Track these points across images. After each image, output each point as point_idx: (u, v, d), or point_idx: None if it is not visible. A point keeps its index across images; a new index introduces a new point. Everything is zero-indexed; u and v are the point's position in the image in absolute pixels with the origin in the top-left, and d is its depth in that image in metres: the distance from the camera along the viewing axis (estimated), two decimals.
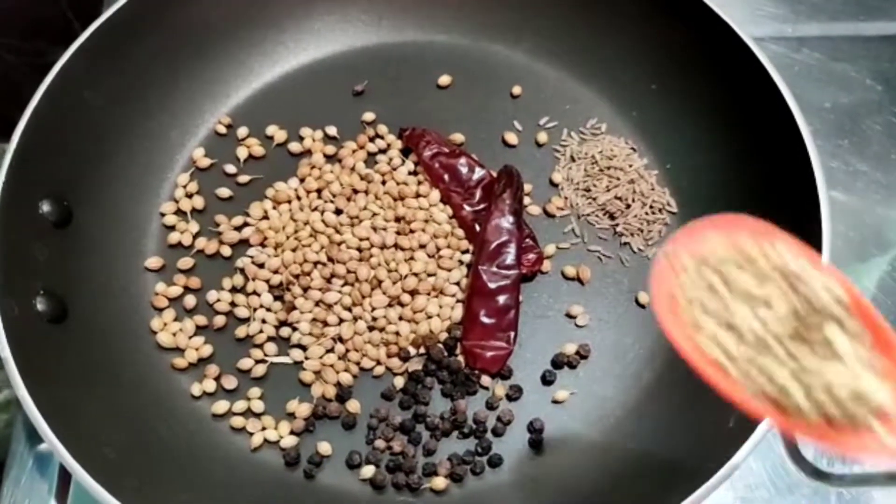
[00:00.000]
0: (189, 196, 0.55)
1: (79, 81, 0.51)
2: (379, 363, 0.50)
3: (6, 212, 0.46)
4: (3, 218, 0.46)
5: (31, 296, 0.46)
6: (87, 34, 0.51)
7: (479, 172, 0.54)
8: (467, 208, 0.53)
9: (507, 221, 0.50)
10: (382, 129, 0.57)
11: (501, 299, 0.50)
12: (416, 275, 0.51)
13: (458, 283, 0.52)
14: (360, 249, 0.52)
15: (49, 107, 0.49)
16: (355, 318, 0.51)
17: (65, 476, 0.49)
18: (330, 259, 0.52)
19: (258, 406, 0.49)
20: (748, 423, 0.42)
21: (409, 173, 0.55)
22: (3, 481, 0.50)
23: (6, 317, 0.43)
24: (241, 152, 0.56)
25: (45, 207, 0.49)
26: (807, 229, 0.46)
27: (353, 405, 0.49)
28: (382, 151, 0.57)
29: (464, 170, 0.54)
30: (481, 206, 0.53)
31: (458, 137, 0.56)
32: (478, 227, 0.52)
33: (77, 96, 0.51)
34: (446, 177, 0.54)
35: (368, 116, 0.57)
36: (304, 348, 0.50)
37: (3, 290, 0.44)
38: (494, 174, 0.54)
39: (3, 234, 0.45)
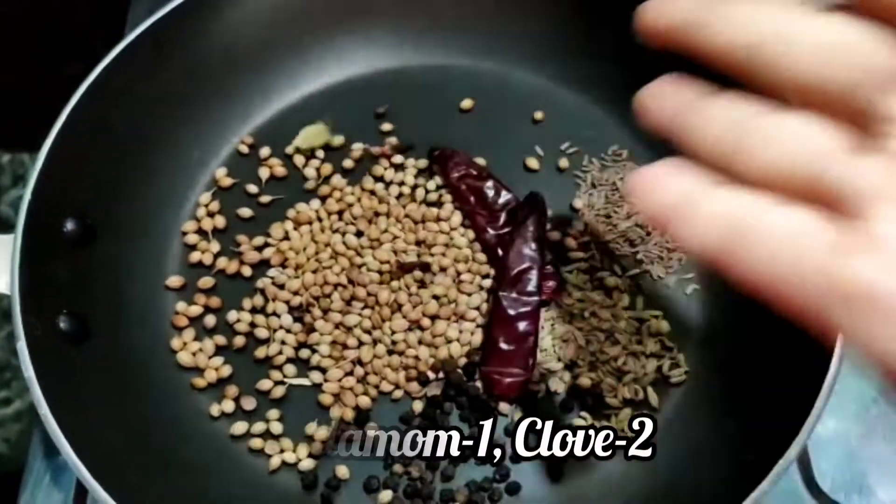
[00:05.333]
0: (210, 215, 0.55)
1: (103, 102, 0.50)
2: (398, 387, 0.50)
3: (31, 231, 0.46)
4: (27, 237, 0.46)
5: (54, 315, 0.46)
6: (113, 55, 0.51)
7: (505, 196, 0.54)
8: (491, 231, 0.53)
9: (529, 248, 0.51)
10: None
11: (521, 326, 0.50)
12: (436, 299, 0.52)
13: (478, 308, 0.52)
14: (380, 272, 0.53)
15: (73, 127, 0.49)
16: (375, 342, 0.51)
17: (81, 488, 0.49)
18: (350, 281, 0.52)
19: (277, 428, 0.49)
20: (768, 457, 0.42)
21: (429, 198, 0.56)
22: (20, 496, 0.50)
23: (30, 336, 0.44)
24: (263, 172, 0.56)
25: (69, 226, 0.49)
26: None
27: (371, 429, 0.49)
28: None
29: (490, 193, 0.54)
30: (505, 230, 0.53)
31: (480, 161, 0.56)
32: (500, 251, 0.52)
33: (101, 117, 0.51)
34: (472, 199, 0.54)
35: (390, 139, 0.58)
36: (323, 370, 0.51)
37: (28, 309, 0.44)
38: (521, 199, 0.54)
39: (27, 254, 0.45)
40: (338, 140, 0.57)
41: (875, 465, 0.50)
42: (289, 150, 0.57)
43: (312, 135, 0.57)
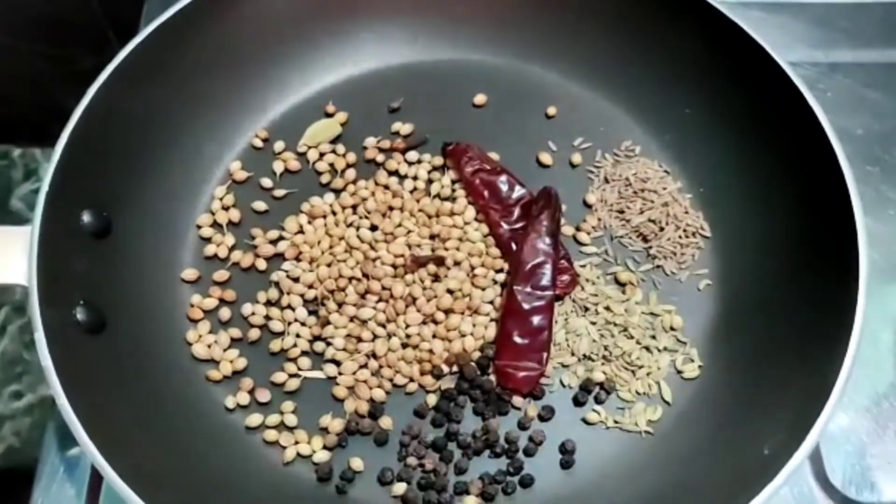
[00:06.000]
0: (225, 209, 0.55)
1: (119, 96, 0.51)
2: (412, 380, 0.50)
3: (48, 223, 0.46)
4: (45, 229, 0.46)
5: (71, 306, 0.46)
6: (129, 49, 0.51)
7: (518, 191, 0.54)
8: (504, 226, 0.53)
9: (543, 242, 0.51)
10: None
11: (535, 320, 0.50)
12: (450, 292, 0.52)
13: (492, 303, 0.52)
14: (394, 266, 0.53)
15: (90, 121, 0.49)
16: (389, 335, 0.51)
17: (95, 481, 0.50)
18: (365, 275, 0.52)
19: (291, 420, 0.49)
20: (783, 451, 0.42)
21: (443, 192, 0.56)
22: (34, 488, 0.51)
23: (47, 327, 0.44)
24: (278, 166, 0.57)
25: (86, 218, 0.49)
26: (843, 254, 0.46)
27: (385, 421, 0.49)
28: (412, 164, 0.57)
29: (504, 187, 0.54)
30: (519, 224, 0.53)
31: (493, 157, 0.57)
32: (514, 246, 0.52)
33: (117, 110, 0.51)
34: (486, 193, 0.54)
35: (404, 134, 0.58)
36: (337, 363, 0.51)
37: (45, 300, 0.44)
38: (535, 194, 0.54)
39: (45, 245, 0.46)
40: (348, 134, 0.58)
41: (886, 460, 0.50)
42: (301, 148, 0.57)
43: (319, 131, 0.57)
